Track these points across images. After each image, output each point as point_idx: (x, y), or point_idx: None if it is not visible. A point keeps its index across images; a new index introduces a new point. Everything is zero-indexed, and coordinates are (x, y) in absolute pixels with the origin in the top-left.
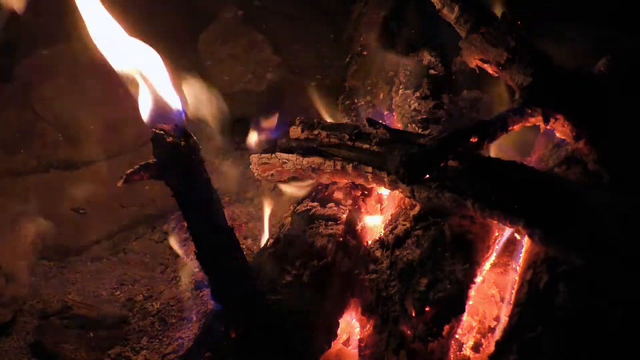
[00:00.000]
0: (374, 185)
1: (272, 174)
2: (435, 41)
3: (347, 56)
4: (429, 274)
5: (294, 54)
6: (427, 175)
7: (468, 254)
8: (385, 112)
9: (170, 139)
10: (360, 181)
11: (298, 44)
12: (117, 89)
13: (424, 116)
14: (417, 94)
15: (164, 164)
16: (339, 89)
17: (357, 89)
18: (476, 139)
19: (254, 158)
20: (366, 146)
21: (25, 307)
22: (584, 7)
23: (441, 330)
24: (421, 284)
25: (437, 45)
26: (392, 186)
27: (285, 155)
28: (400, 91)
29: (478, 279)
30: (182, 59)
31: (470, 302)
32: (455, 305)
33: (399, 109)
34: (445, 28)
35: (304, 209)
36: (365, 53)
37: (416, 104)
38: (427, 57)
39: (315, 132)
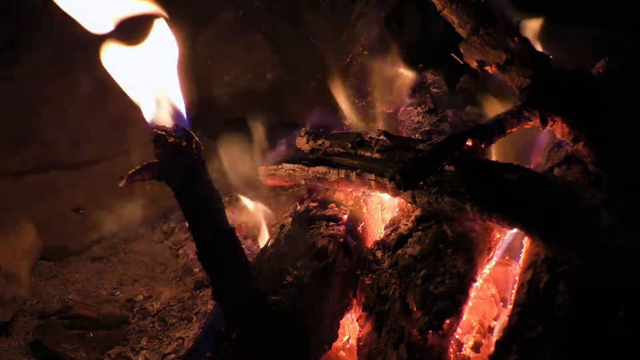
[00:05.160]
0: (377, 192)
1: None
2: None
3: (347, 56)
4: (430, 269)
5: (294, 54)
6: (422, 182)
7: (470, 250)
8: (387, 111)
9: (172, 140)
10: (364, 189)
11: (298, 44)
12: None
13: (427, 128)
14: (419, 109)
15: (166, 164)
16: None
17: (357, 89)
18: (472, 143)
19: (261, 170)
20: (368, 154)
21: (25, 307)
22: (584, 7)
23: (442, 323)
24: (422, 278)
25: (441, 63)
26: (395, 192)
27: (291, 166)
28: (402, 107)
29: (479, 279)
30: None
31: (470, 303)
32: (456, 299)
33: (403, 123)
34: (445, 28)
35: (304, 209)
36: (365, 53)
37: (419, 117)
38: (430, 77)
39: (320, 142)
